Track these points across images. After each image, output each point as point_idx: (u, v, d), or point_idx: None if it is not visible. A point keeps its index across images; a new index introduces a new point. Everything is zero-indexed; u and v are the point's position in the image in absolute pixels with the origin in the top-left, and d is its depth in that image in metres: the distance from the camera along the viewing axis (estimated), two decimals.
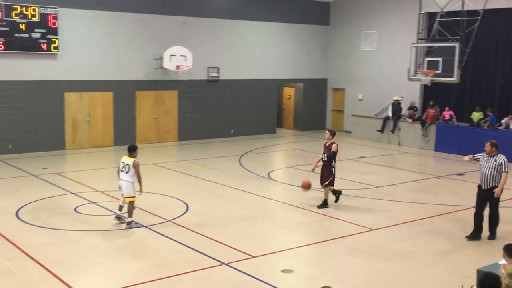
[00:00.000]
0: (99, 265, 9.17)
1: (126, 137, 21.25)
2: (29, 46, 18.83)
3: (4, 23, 18.26)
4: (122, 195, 11.19)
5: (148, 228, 11.13)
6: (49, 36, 19.10)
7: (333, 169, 12.76)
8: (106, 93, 20.96)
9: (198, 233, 10.84)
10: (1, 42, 18.28)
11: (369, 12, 25.42)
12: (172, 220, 11.68)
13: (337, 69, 26.91)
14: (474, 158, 10.89)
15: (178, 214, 12.13)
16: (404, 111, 23.09)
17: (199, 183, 15.35)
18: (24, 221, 11.45)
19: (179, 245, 10.16)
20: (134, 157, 11.08)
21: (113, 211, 12.01)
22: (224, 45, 23.68)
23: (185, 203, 13.08)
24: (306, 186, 12.82)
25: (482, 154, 10.67)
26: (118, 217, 11.28)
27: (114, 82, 21.00)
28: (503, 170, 10.38)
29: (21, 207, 12.42)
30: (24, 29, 18.65)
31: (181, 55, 21.58)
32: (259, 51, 24.85)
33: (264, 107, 25.35)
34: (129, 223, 11.10)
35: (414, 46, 20.92)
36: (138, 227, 11.10)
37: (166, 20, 21.98)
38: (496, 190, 10.40)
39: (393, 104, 23.17)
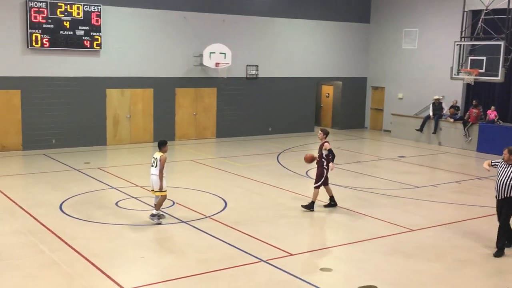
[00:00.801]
0: (139, 258, 9.31)
1: (165, 133, 21.50)
2: (73, 43, 19.25)
3: (50, 21, 18.70)
4: (152, 190, 11.25)
5: (187, 223, 11.23)
6: (92, 34, 19.49)
7: (325, 170, 12.31)
8: (147, 90, 21.25)
9: (237, 230, 10.89)
10: (46, 39, 18.73)
11: (410, 10, 25.03)
12: (211, 216, 11.76)
13: (377, 67, 26.61)
14: (492, 164, 10.03)
15: (216, 211, 12.21)
16: (446, 110, 22.66)
17: (237, 180, 15.41)
18: (68, 214, 11.72)
19: (218, 241, 10.23)
20: (164, 152, 11.23)
21: (152, 206, 12.17)
22: (263, 43, 23.71)
23: (223, 199, 13.16)
24: (309, 159, 12.61)
25: (500, 160, 9.91)
26: (158, 217, 11.32)
27: (154, 79, 21.27)
28: None
29: (65, 201, 12.71)
30: (68, 27, 19.06)
31: (221, 53, 21.71)
32: (298, 49, 24.77)
33: (303, 105, 25.26)
34: (153, 215, 11.18)
35: (457, 44, 20.51)
36: (160, 223, 11.10)
37: (207, 18, 22.13)
38: None
39: (433, 104, 22.76)
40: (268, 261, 9.22)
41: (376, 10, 26.54)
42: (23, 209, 11.93)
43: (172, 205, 12.48)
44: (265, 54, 23.81)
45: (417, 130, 23.07)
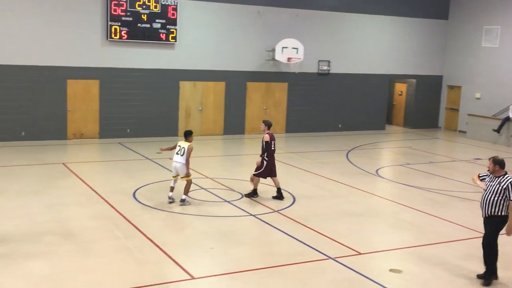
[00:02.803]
0: (209, 249, 9.46)
1: (235, 127, 21.77)
2: (150, 36, 19.77)
3: (128, 14, 19.29)
4: (174, 177, 11.95)
5: (255, 216, 11.31)
6: (168, 27, 19.94)
7: (265, 162, 12.37)
8: (219, 83, 21.52)
9: (305, 226, 10.86)
10: (124, 32, 19.33)
11: (492, 6, 24.02)
12: (279, 211, 11.79)
13: (454, 65, 25.73)
14: (480, 177, 8.69)
15: (285, 205, 12.22)
16: None
17: (305, 175, 15.36)
18: (141, 202, 12.08)
19: (286, 235, 10.24)
20: (190, 141, 11.87)
21: (222, 198, 12.35)
22: (336, 39, 23.46)
23: (291, 194, 13.15)
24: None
25: (487, 173, 8.65)
26: (170, 198, 11.97)
27: (226, 72, 21.52)
28: (511, 198, 8.10)
29: (138, 189, 13.10)
30: (145, 20, 19.59)
31: (293, 48, 21.66)
32: (372, 45, 24.34)
33: (374, 102, 24.83)
34: (182, 200, 11.81)
35: None
36: (189, 204, 11.82)
37: (280, 12, 22.13)
38: (507, 229, 8.13)
39: None
40: (336, 259, 9.14)
41: (455, 6, 25.64)
42: (99, 195, 12.41)
43: (240, 198, 12.61)
44: (337, 50, 23.55)
45: (494, 130, 22.15)
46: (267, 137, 12.45)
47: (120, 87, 19.85)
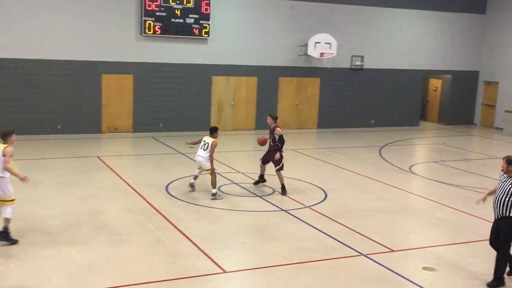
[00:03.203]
0: (241, 243, 9.48)
1: (267, 122, 21.70)
2: (183, 31, 19.89)
3: (162, 9, 19.44)
4: (199, 168, 12.30)
5: (287, 212, 11.29)
6: (201, 22, 20.03)
7: (282, 153, 12.50)
8: (251, 78, 21.53)
9: (337, 222, 10.79)
10: (158, 27, 19.49)
11: None
12: (311, 206, 11.74)
13: (491, 61, 25.17)
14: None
15: (316, 201, 12.17)
16: None
17: (337, 171, 15.26)
18: (173, 195, 12.18)
19: (317, 231, 10.19)
20: (215, 138, 12.07)
21: (254, 193, 12.36)
22: (369, 33, 23.20)
23: (323, 190, 13.08)
24: (262, 141, 12.91)
25: (501, 173, 8.41)
26: (192, 185, 12.37)
27: (259, 67, 21.51)
28: None
29: (170, 183, 13.22)
30: (179, 15, 19.72)
31: (326, 43, 21.51)
32: (406, 40, 23.99)
33: (408, 98, 24.49)
34: (213, 194, 11.92)
35: None
36: (222, 198, 11.91)
37: (314, 7, 21.99)
38: None
39: None
40: (369, 256, 9.06)
41: (494, 0, 25.06)
42: (132, 188, 12.56)
43: (272, 193, 12.61)
44: (371, 45, 23.29)
45: None
46: (280, 130, 12.56)
47: (153, 82, 20.04)
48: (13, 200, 8.88)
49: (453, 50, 25.01)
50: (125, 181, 13.14)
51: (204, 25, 20.09)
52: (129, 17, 19.33)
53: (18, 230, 9.26)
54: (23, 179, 8.83)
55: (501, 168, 8.23)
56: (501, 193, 8.03)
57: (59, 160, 15.13)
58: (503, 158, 8.20)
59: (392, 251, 9.39)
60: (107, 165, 14.78)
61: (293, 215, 11.09)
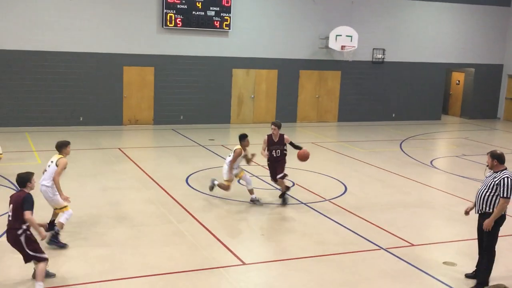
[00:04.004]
0: (260, 236, 9.52)
1: (287, 115, 21.71)
2: (204, 23, 19.92)
3: (183, 1, 19.49)
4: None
5: (306, 205, 11.29)
6: (222, 14, 20.03)
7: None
8: (271, 71, 21.50)
9: (356, 215, 10.76)
10: (179, 19, 19.55)
11: None
12: (330, 200, 11.72)
13: None
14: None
15: (336, 194, 12.14)
16: None
17: (357, 165, 15.19)
18: (193, 187, 12.25)
19: (337, 225, 10.18)
20: (242, 146, 11.09)
21: (273, 186, 12.36)
22: (391, 26, 22.99)
23: (343, 184, 13.05)
24: (303, 157, 11.31)
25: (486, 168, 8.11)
26: (212, 183, 11.36)
27: (279, 60, 21.46)
28: (503, 195, 7.52)
29: (190, 174, 13.29)
30: (200, 7, 19.75)
31: (347, 36, 21.37)
32: (429, 33, 23.73)
33: (430, 91, 24.25)
34: (252, 199, 11.18)
35: None
36: (261, 204, 11.11)
37: (335, 0, 21.85)
38: (486, 221, 7.63)
39: None
40: (388, 250, 9.02)
41: None
42: (153, 180, 12.66)
43: (292, 186, 12.60)
44: (393, 37, 23.08)
45: None
46: (288, 139, 11.43)
47: (174, 74, 20.13)
48: (65, 206, 8.64)
49: (476, 43, 24.67)
50: (145, 173, 13.25)
51: (225, 17, 20.09)
52: (151, 10, 19.42)
53: (40, 221, 9.38)
54: (65, 199, 8.57)
55: (486, 164, 7.93)
56: (484, 187, 7.74)
57: (81, 151, 15.30)
58: (487, 153, 7.92)
59: (412, 245, 9.33)
60: (128, 156, 14.92)
61: (313, 208, 11.08)
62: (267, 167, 11.83)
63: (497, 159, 7.76)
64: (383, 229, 10.02)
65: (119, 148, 15.94)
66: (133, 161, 14.44)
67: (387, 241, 9.40)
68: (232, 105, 21.18)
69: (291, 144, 11.46)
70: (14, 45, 18.11)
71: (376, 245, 9.21)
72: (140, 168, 13.75)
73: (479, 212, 7.87)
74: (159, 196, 11.50)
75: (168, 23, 19.45)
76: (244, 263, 8.31)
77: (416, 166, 15.36)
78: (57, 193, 8.55)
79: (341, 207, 11.26)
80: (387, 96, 23.47)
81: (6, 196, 10.63)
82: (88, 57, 18.98)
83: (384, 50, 22.94)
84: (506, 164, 7.89)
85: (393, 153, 17.00)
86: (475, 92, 25.19)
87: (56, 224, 8.66)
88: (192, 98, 20.52)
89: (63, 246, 8.52)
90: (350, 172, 14.30)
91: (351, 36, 21.37)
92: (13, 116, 18.46)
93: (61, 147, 8.88)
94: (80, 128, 18.86)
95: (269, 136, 11.38)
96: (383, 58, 23.00)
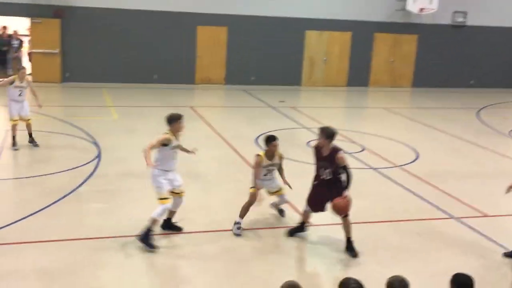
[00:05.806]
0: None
1: (359, 79, 21.29)
2: None
3: None
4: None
5: (377, 170, 11.11)
6: None
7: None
8: (345, 33, 21.04)
9: (427, 183, 10.50)
10: None
11: None
12: (401, 166, 11.48)
13: None
14: None
15: (407, 161, 11.87)
16: None
17: (431, 132, 14.76)
18: (262, 147, 12.29)
19: (407, 191, 9.98)
20: (268, 150, 8.67)
21: (344, 150, 12.20)
22: None
23: (415, 150, 12.73)
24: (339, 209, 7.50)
25: None
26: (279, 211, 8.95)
27: (353, 22, 20.94)
28: None
29: (260, 135, 13.33)
30: None
31: None
32: None
33: None
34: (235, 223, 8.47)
35: None
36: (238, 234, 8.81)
37: None
38: None
39: None
40: (461, 219, 8.77)
41: None
42: (224, 139, 12.83)
43: (362, 151, 12.43)
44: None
45: None
46: (345, 157, 7.51)
47: (246, 34, 20.09)
48: (163, 199, 7.46)
49: None
50: (216, 132, 13.43)
51: None
52: None
53: (116, 174, 9.77)
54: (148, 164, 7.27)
55: None
56: None
57: (154, 108, 15.68)
58: None
59: (486, 216, 9.03)
60: (199, 115, 15.16)
61: (383, 174, 10.91)
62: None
63: None
64: (455, 198, 9.74)
65: (190, 107, 16.21)
66: (204, 120, 14.66)
67: (459, 211, 9.13)
68: (304, 67, 20.97)
69: (342, 168, 7.44)
70: (94, 2, 18.58)
71: (448, 214, 8.98)
72: (211, 127, 13.95)
73: None
74: (229, 155, 11.66)
75: None
76: (311, 224, 8.31)
77: (493, 136, 14.75)
78: (159, 178, 7.50)
79: (412, 173, 11.02)
80: (467, 62, 22.48)
81: (87, 147, 11.11)
82: (162, 15, 19.23)
83: (466, 13, 21.87)
84: None
85: (470, 122, 16.38)
86: None
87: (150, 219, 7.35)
88: (264, 59, 20.46)
89: (152, 247, 7.22)
90: (423, 139, 13.92)
91: None
92: (91, 72, 19.08)
93: (171, 121, 7.81)
94: (154, 85, 19.30)
95: (316, 148, 7.71)
96: (464, 22, 21.95)
